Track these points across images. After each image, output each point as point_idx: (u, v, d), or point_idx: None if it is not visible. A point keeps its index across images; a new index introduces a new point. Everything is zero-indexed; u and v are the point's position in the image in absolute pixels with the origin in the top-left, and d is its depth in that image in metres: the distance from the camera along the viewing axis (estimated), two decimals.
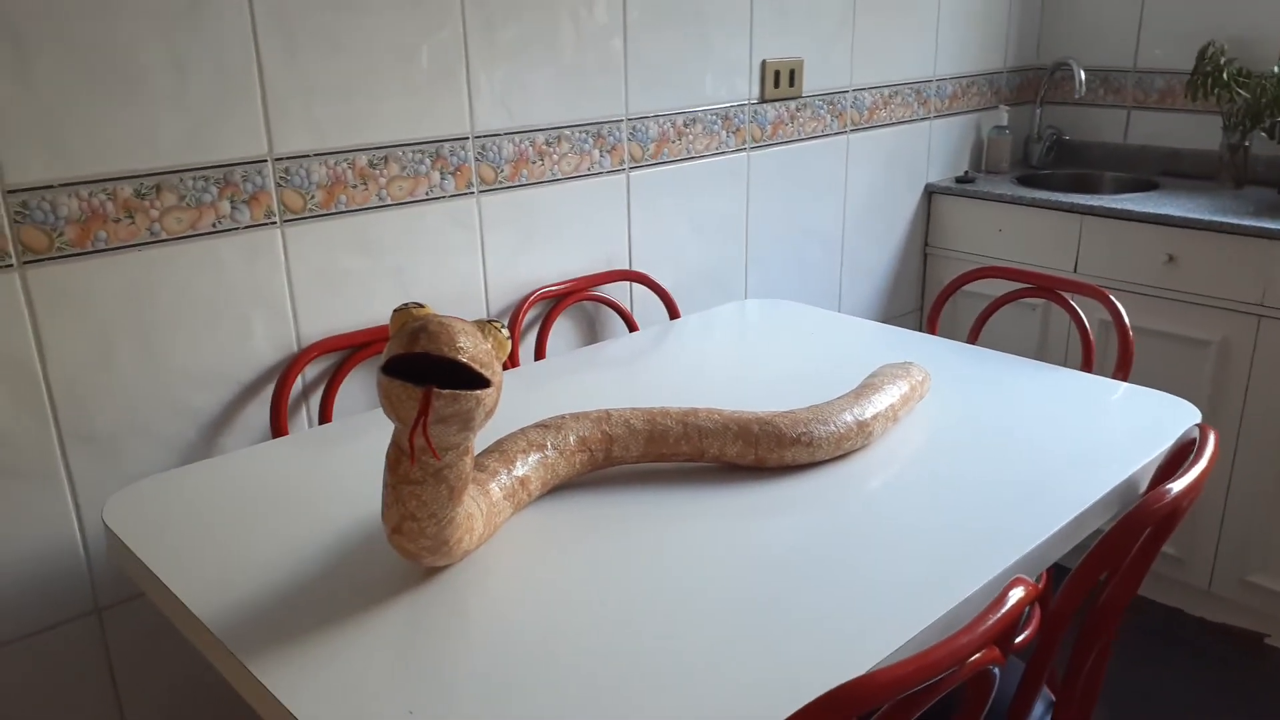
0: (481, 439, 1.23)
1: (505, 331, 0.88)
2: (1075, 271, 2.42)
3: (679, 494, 1.20)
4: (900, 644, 0.91)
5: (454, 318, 0.84)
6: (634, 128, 1.89)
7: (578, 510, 1.16)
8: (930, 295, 2.75)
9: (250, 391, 1.48)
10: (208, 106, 1.36)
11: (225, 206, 1.40)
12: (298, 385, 1.53)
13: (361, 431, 1.36)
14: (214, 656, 0.95)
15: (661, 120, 1.94)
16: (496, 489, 1.09)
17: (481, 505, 1.05)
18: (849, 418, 1.30)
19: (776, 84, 2.15)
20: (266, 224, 1.45)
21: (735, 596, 0.98)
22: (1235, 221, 2.13)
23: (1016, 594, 0.86)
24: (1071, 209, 2.39)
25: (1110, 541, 1.02)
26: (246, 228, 1.43)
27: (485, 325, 0.86)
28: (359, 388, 1.61)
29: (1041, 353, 2.53)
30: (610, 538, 1.10)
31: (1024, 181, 2.70)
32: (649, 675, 0.86)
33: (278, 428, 1.47)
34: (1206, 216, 2.18)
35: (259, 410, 1.49)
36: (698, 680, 0.86)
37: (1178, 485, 1.05)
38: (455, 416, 0.82)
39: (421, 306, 0.86)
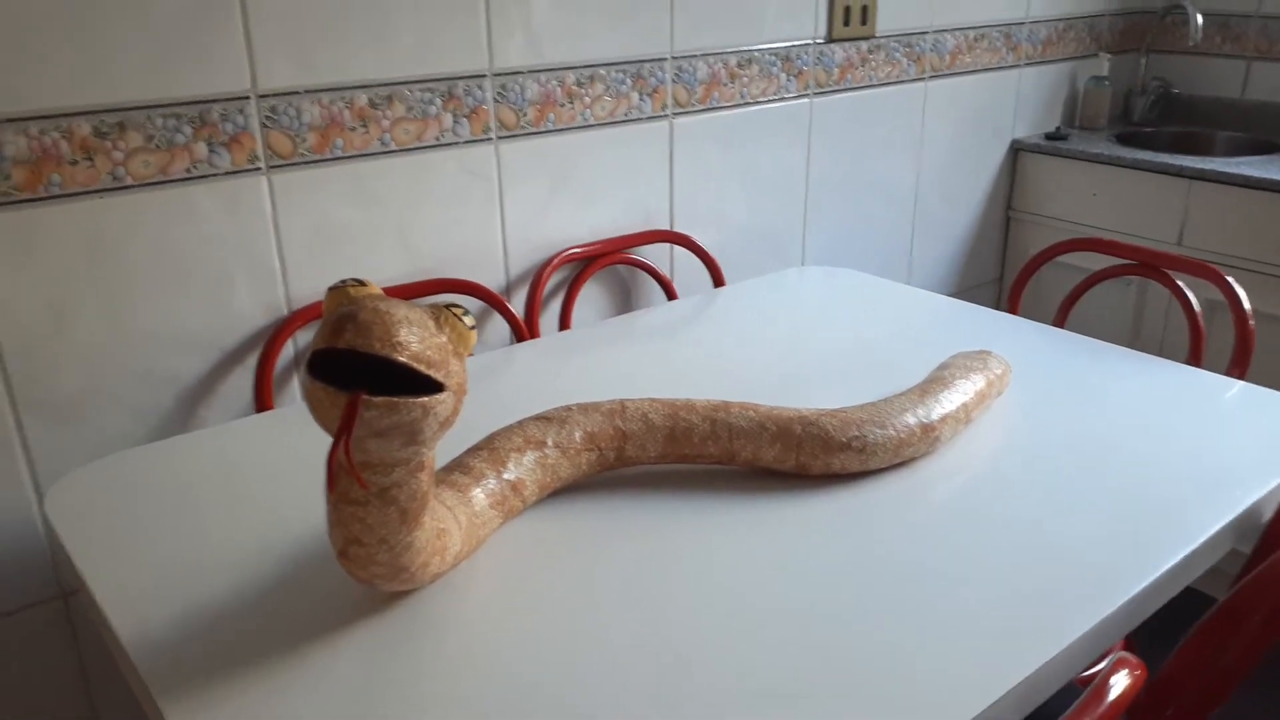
0: (471, 434, 1.05)
1: (468, 320, 0.69)
2: (1179, 244, 2.15)
3: (702, 503, 1.01)
4: (977, 712, 0.72)
5: (399, 301, 0.65)
6: (679, 68, 1.67)
7: (580, 519, 0.98)
8: (1012, 265, 2.49)
9: (233, 359, 1.32)
10: (178, 32, 1.18)
11: (201, 149, 1.23)
12: (287, 352, 1.37)
13: None
14: (134, 686, 0.80)
15: (712, 60, 1.72)
16: (481, 496, 0.92)
17: (460, 516, 0.87)
18: (911, 419, 1.09)
19: (846, 21, 1.91)
20: (250, 170, 1.27)
21: (765, 634, 0.80)
22: None
23: (1120, 682, 0.66)
24: (1179, 172, 2.11)
25: (1234, 608, 0.80)
26: (227, 174, 1.26)
27: (441, 312, 0.68)
28: None
29: (1135, 339, 2.26)
30: (616, 553, 0.92)
31: (1124, 140, 2.41)
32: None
33: (262, 400, 1.31)
34: None
35: (243, 379, 1.34)
36: None
37: None
38: (396, 429, 0.64)
39: (362, 284, 0.67)
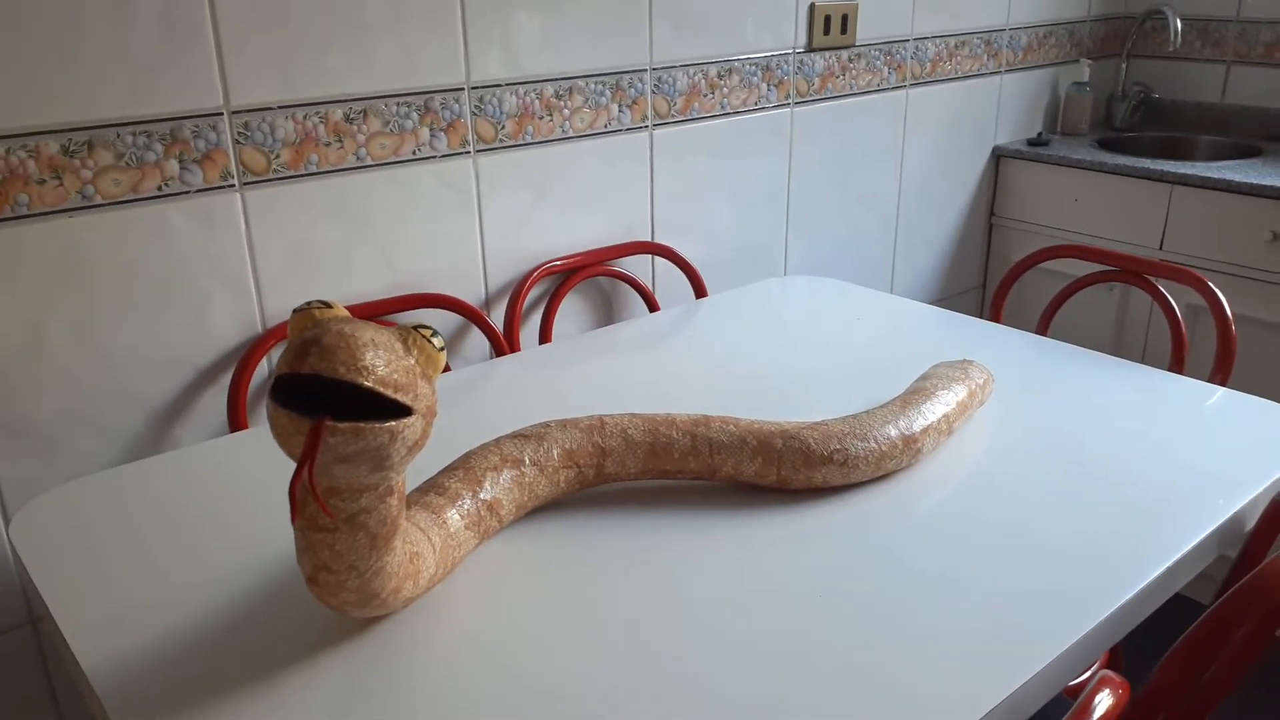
0: (447, 452, 1.04)
1: (437, 341, 0.68)
2: (1161, 249, 2.15)
3: (683, 520, 1.00)
4: None
5: (364, 324, 0.64)
6: (659, 79, 1.67)
7: (559, 538, 0.97)
8: (995, 272, 2.49)
9: (207, 378, 1.30)
10: (148, 50, 1.16)
11: (173, 167, 1.21)
12: (261, 371, 1.35)
13: None
14: (98, 717, 0.78)
15: (691, 71, 1.71)
16: (456, 517, 0.90)
17: (434, 539, 0.86)
18: (893, 431, 1.08)
19: (827, 30, 1.90)
20: (223, 187, 1.26)
21: (748, 651, 0.78)
22: None
23: (1103, 702, 0.65)
24: (1160, 177, 2.11)
25: (1219, 621, 0.79)
26: (199, 191, 1.24)
27: (409, 334, 0.66)
28: None
29: (1118, 344, 2.26)
30: (596, 573, 0.91)
31: (1105, 145, 2.41)
32: None
33: (236, 420, 1.30)
34: None
35: (217, 399, 1.32)
36: None
37: None
38: (362, 455, 0.63)
39: (328, 306, 0.66)
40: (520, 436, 1.00)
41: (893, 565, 0.91)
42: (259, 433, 1.18)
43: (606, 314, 1.75)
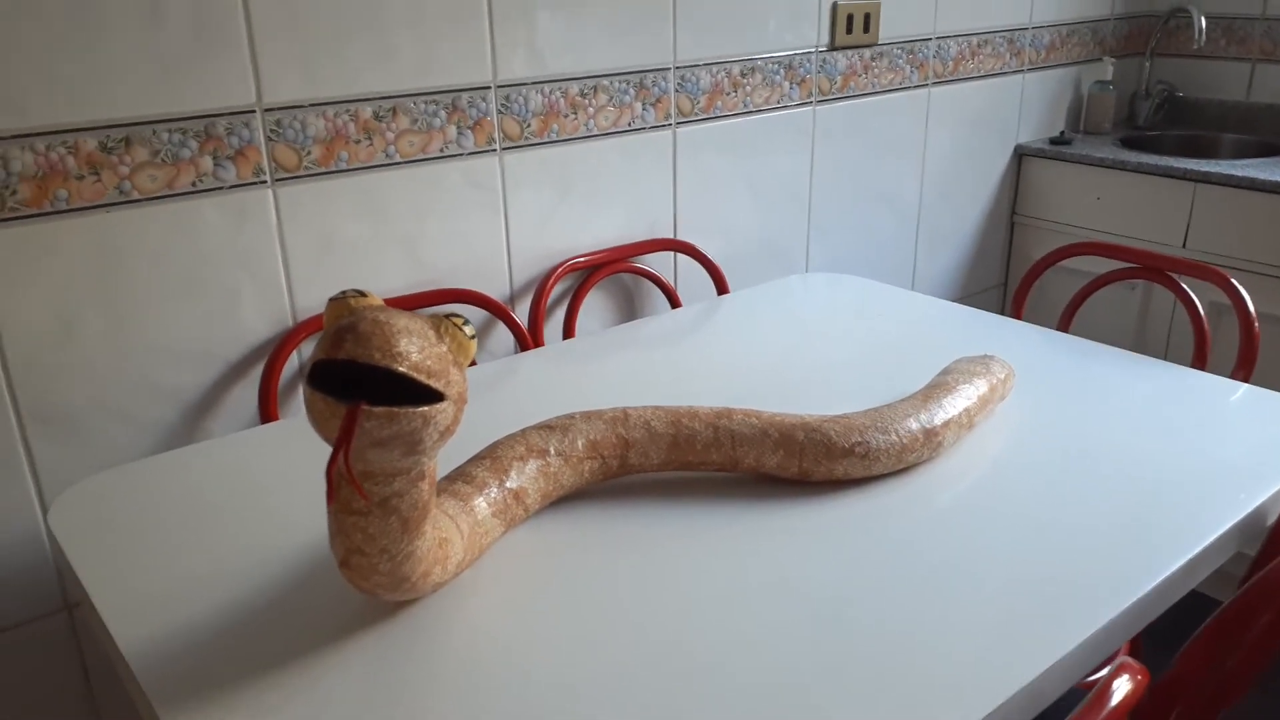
0: (475, 443, 1.06)
1: (469, 330, 0.69)
2: (1184, 248, 2.14)
3: (705, 511, 1.01)
4: (981, 717, 0.72)
5: (398, 312, 0.66)
6: (683, 77, 1.68)
7: (583, 527, 0.99)
8: (1016, 270, 2.49)
9: (238, 371, 1.33)
10: (184, 48, 1.19)
11: (207, 163, 1.24)
12: (291, 364, 1.37)
13: None
14: (137, 700, 0.80)
15: (715, 69, 1.72)
16: (484, 505, 0.92)
17: (462, 526, 0.88)
18: (914, 425, 1.09)
19: (849, 29, 1.91)
20: (255, 183, 1.28)
21: (769, 641, 0.80)
22: None
23: (1122, 687, 0.66)
24: (1184, 175, 2.10)
25: (1240, 609, 0.80)
26: (232, 187, 1.27)
27: (441, 322, 0.68)
28: None
29: (1139, 342, 2.26)
30: (620, 562, 0.92)
31: (1128, 144, 2.41)
32: None
33: (267, 412, 1.32)
34: None
35: (248, 391, 1.34)
36: None
37: None
38: (396, 439, 0.65)
39: (363, 295, 0.68)
40: (546, 427, 1.02)
41: (913, 557, 0.92)
42: (289, 424, 1.21)
43: (629, 310, 1.76)
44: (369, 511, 0.71)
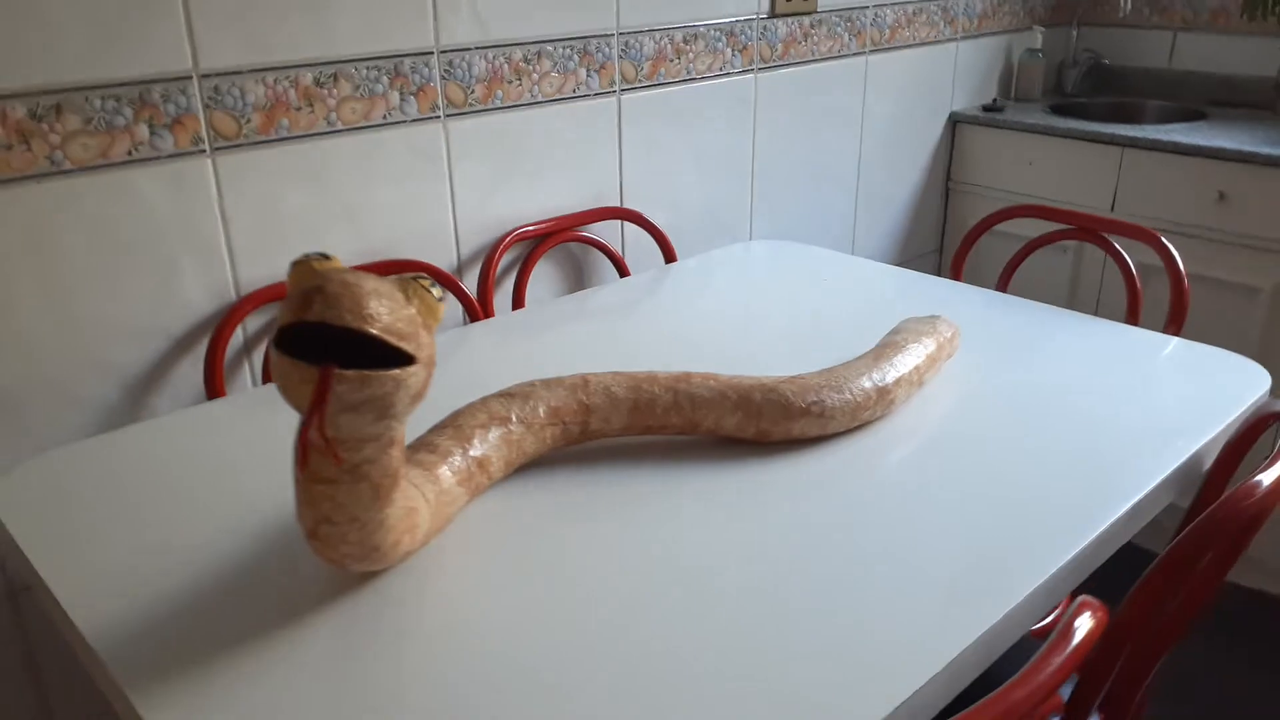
0: (432, 413, 1.05)
1: (437, 291, 0.69)
2: (1113, 210, 2.21)
3: (667, 474, 1.02)
4: (938, 668, 0.74)
5: (364, 274, 0.65)
6: (626, 43, 1.67)
7: (547, 493, 0.99)
8: (952, 236, 2.54)
9: (182, 346, 1.30)
10: (116, 11, 1.15)
11: (143, 131, 1.20)
12: (237, 339, 1.34)
13: None
14: (100, 681, 0.78)
15: (658, 35, 1.72)
16: (448, 473, 0.91)
17: (428, 494, 0.87)
18: (867, 383, 1.11)
19: None
20: (194, 152, 1.24)
21: (731, 600, 0.81)
22: None
23: (1084, 624, 0.68)
24: (1112, 140, 2.16)
25: (1186, 549, 0.83)
26: (170, 156, 1.23)
27: (409, 284, 0.67)
28: None
29: (1072, 303, 2.32)
30: (585, 526, 0.93)
31: (1058, 110, 2.46)
32: (633, 694, 0.69)
33: (214, 388, 1.29)
34: (1263, 150, 1.96)
35: (192, 367, 1.31)
36: (691, 702, 0.68)
37: (1268, 478, 0.86)
38: (368, 403, 0.64)
39: (327, 258, 0.67)
40: (507, 395, 1.02)
41: (868, 514, 0.94)
42: (237, 400, 1.18)
43: (578, 279, 1.76)
44: (338, 480, 0.70)
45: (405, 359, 0.65)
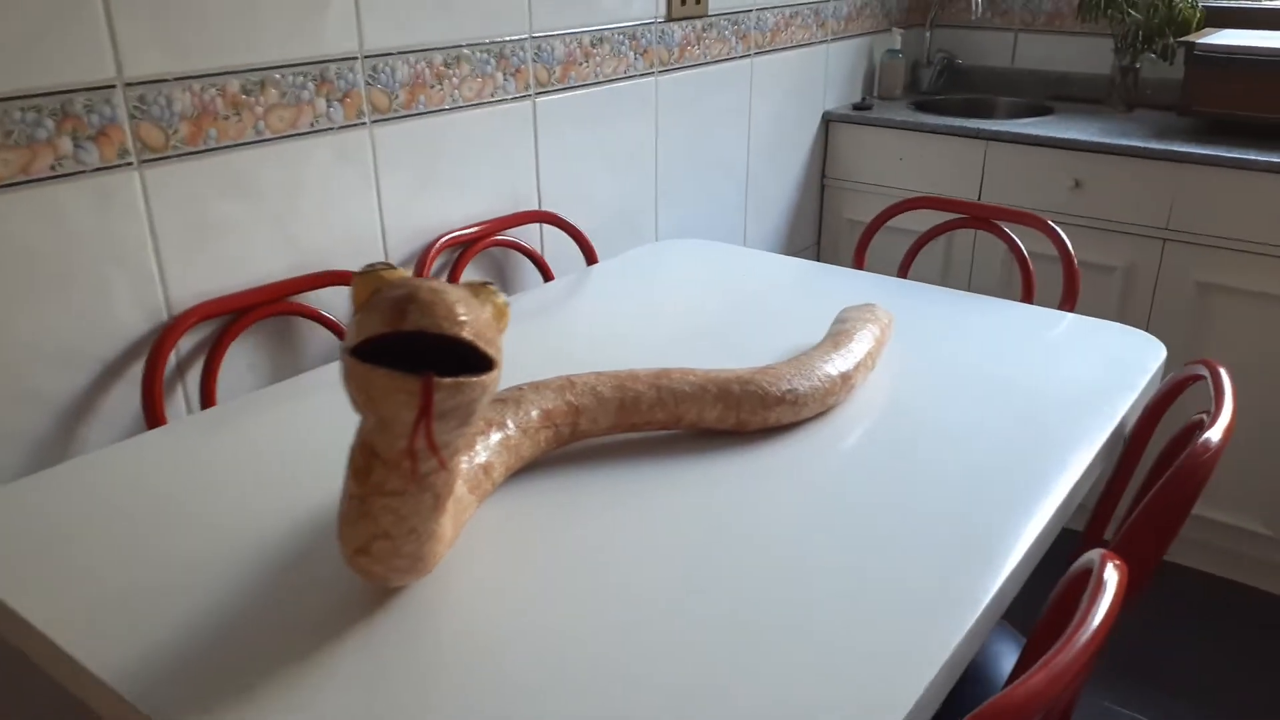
0: None
1: (503, 296, 0.69)
2: (979, 199, 2.37)
3: (655, 469, 1.04)
4: (953, 646, 0.78)
5: (442, 282, 0.64)
6: (539, 47, 1.68)
7: (548, 496, 0.99)
8: (829, 231, 2.66)
9: (114, 371, 1.22)
10: (32, 17, 1.07)
11: (66, 144, 1.12)
12: (172, 361, 1.27)
13: (251, 414, 1.12)
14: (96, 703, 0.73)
15: (568, 39, 1.73)
16: (459, 482, 0.91)
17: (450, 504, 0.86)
18: (832, 370, 1.17)
19: (684, 0, 1.97)
20: (120, 165, 1.17)
21: (726, 584, 0.83)
22: (1143, 145, 2.11)
23: (1112, 576, 0.75)
24: (977, 135, 2.32)
25: (1161, 502, 0.92)
26: (95, 170, 1.15)
27: (479, 289, 0.67)
28: (244, 361, 1.36)
29: (947, 285, 2.48)
30: (590, 526, 0.93)
31: (919, 107, 2.62)
32: (653, 687, 0.71)
33: (153, 415, 1.22)
34: (1114, 140, 2.15)
35: (128, 394, 1.23)
36: (700, 693, 0.71)
37: (1216, 434, 0.96)
38: (456, 410, 0.63)
39: (391, 268, 0.65)
40: (499, 400, 1.01)
41: (842, 496, 0.99)
42: (179, 428, 1.11)
43: (502, 284, 1.75)
44: (404, 491, 0.69)
45: (486, 364, 0.65)
